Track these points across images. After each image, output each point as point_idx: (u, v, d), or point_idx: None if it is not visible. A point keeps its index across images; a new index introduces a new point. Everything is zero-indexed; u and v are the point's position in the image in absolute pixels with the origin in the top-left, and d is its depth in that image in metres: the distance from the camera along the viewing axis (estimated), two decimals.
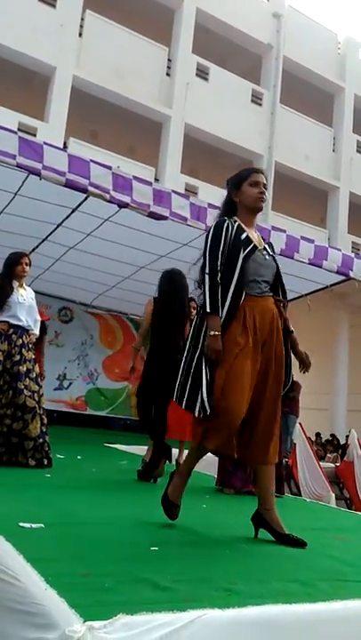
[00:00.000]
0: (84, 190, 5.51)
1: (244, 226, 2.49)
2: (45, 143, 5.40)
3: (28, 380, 4.09)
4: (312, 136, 14.96)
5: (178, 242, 7.05)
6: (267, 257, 2.49)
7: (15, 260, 4.29)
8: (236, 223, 2.47)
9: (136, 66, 12.22)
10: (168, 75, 12.98)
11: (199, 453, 2.43)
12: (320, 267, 7.08)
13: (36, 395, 4.11)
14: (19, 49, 10.89)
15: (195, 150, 13.05)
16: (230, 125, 13.24)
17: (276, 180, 14.05)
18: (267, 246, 2.56)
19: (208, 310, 2.33)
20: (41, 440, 4.03)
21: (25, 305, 4.25)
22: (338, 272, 7.33)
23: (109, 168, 5.71)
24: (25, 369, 4.11)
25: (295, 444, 7.54)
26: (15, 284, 4.25)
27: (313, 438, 11.92)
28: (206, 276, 2.37)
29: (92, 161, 5.60)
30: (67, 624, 1.24)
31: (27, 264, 4.32)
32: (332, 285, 8.17)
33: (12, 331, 4.15)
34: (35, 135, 10.27)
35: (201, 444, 2.34)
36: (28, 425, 3.98)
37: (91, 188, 5.50)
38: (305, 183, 14.93)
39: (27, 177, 5.41)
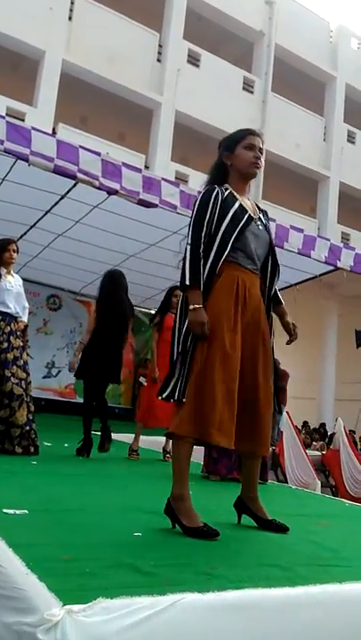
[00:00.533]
0: (72, 177, 5.47)
1: (236, 193, 2.27)
2: (34, 128, 5.34)
3: (15, 367, 4.08)
4: (303, 125, 14.92)
5: (167, 230, 7.03)
6: (260, 227, 2.29)
7: (2, 246, 4.25)
8: (228, 191, 2.27)
9: (127, 51, 12.08)
10: (159, 61, 12.86)
11: (182, 449, 2.15)
12: (308, 256, 7.10)
13: (23, 382, 4.10)
14: (7, 32, 10.73)
15: (185, 138, 12.97)
16: (221, 113, 13.16)
17: (266, 169, 14.02)
18: (261, 215, 2.35)
19: (187, 283, 2.11)
20: (28, 428, 4.04)
21: (13, 292, 4.23)
22: (326, 262, 7.36)
23: (98, 154, 5.67)
24: (12, 356, 4.09)
25: (282, 433, 7.60)
26: (3, 271, 4.21)
27: (300, 427, 12.02)
28: (187, 247, 2.16)
29: (81, 147, 5.56)
30: (46, 608, 1.25)
31: (14, 251, 4.29)
32: (321, 275, 8.20)
33: (0, 318, 4.13)
34: (23, 120, 10.14)
35: (174, 433, 2.10)
36: (15, 412, 3.97)
37: (80, 175, 5.46)
38: (295, 172, 14.92)
39: (14, 162, 5.36)
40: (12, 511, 2.09)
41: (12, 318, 4.20)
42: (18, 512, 2.09)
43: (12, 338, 4.14)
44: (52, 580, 1.37)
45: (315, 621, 1.58)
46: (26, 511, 2.13)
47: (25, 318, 4.34)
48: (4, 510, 2.09)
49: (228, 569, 1.69)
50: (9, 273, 4.27)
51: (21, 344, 4.22)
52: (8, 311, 4.17)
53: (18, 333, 4.22)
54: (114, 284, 4.79)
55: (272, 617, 1.51)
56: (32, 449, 4.05)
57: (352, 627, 1.63)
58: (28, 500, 2.38)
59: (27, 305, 4.40)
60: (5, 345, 4.08)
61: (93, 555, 1.69)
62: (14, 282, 4.28)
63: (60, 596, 1.29)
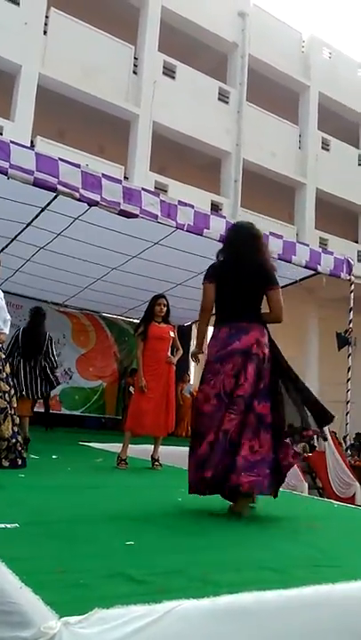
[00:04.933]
0: (52, 189, 5.47)
1: None
2: (12, 142, 5.34)
3: None
4: (278, 133, 15.12)
5: (149, 240, 7.06)
6: None
7: None
8: None
9: (102, 64, 12.14)
10: (135, 73, 12.94)
11: None
12: (289, 262, 7.19)
13: (7, 395, 4.07)
14: None
15: (164, 148, 13.05)
16: (198, 123, 13.28)
17: (244, 177, 14.16)
18: None
19: None
20: (14, 440, 4.00)
21: None
22: (306, 267, 7.46)
23: (78, 166, 5.68)
24: None
25: None
26: None
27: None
28: None
29: (60, 159, 5.57)
30: (42, 621, 1.25)
31: None
32: (301, 280, 8.30)
33: None
34: (1, 134, 10.13)
35: None
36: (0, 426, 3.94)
37: (60, 187, 5.46)
38: (272, 180, 15.08)
39: None
40: (2, 525, 2.08)
41: None
42: (9, 526, 2.08)
43: None
44: (46, 593, 1.37)
45: (310, 622, 1.60)
46: (17, 524, 2.11)
47: (6, 330, 4.32)
48: None
49: (221, 574, 1.70)
50: None
51: (3, 356, 4.20)
52: None
53: (0, 346, 4.20)
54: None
55: (267, 620, 1.52)
56: (19, 461, 4.02)
57: (346, 626, 1.66)
58: (18, 513, 2.36)
59: (8, 317, 4.38)
60: None
61: (87, 566, 1.69)
62: None
63: (55, 609, 1.29)
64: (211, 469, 2.63)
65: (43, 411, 8.02)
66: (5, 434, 3.95)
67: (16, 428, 4.07)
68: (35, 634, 1.21)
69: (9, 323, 4.36)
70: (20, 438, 4.09)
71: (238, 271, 2.95)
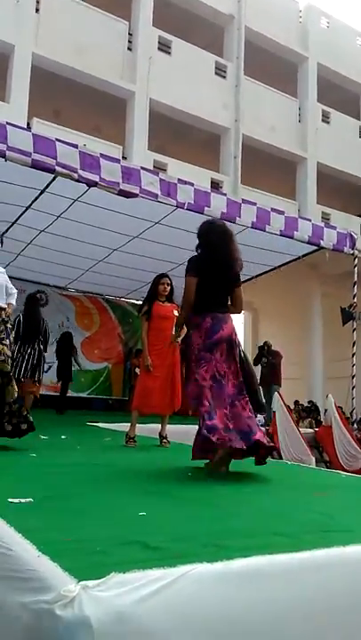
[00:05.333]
0: (51, 170, 5.45)
1: None
2: (9, 123, 5.31)
3: (0, 345, 4.07)
4: (277, 107, 14.93)
5: (150, 220, 7.03)
6: None
7: None
8: None
9: (96, 41, 11.96)
10: (130, 49, 12.75)
11: None
12: (291, 237, 7.16)
13: (9, 360, 4.11)
14: None
15: (161, 126, 12.90)
16: (195, 99, 13.11)
17: (244, 153, 14.02)
18: None
19: None
20: (17, 405, 4.01)
21: None
22: (309, 242, 7.43)
23: (76, 147, 5.65)
24: None
25: (274, 413, 7.69)
26: None
27: (292, 406, 12.17)
28: None
29: (57, 140, 5.54)
30: (62, 585, 1.28)
31: None
32: (303, 256, 8.27)
33: None
34: None
35: None
36: (3, 389, 3.95)
37: (58, 168, 5.44)
38: (273, 155, 14.93)
39: None
40: (16, 500, 2.12)
41: None
42: (23, 501, 2.12)
43: None
44: (63, 561, 1.41)
45: (321, 583, 1.64)
46: (31, 499, 2.15)
47: (13, 301, 4.40)
48: (10, 500, 2.12)
49: (233, 540, 1.73)
50: None
51: (9, 325, 4.27)
52: None
53: (3, 315, 4.25)
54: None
55: (280, 581, 1.56)
56: (24, 426, 3.96)
57: (358, 587, 1.69)
58: (32, 489, 2.40)
59: (14, 291, 4.48)
60: None
61: (101, 535, 1.73)
62: None
63: (73, 574, 1.32)
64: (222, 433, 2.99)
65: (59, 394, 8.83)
66: (11, 397, 3.97)
67: (16, 394, 4.08)
68: (55, 597, 1.25)
69: (15, 295, 4.43)
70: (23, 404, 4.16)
71: (215, 266, 3.32)
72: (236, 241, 3.46)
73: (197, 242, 3.49)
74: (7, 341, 4.15)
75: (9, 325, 4.26)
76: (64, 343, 9.84)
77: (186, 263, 3.47)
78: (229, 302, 3.38)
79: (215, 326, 3.21)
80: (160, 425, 5.10)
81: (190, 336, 3.38)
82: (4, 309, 4.28)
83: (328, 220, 14.44)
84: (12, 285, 4.44)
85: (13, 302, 4.38)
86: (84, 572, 1.33)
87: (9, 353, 4.13)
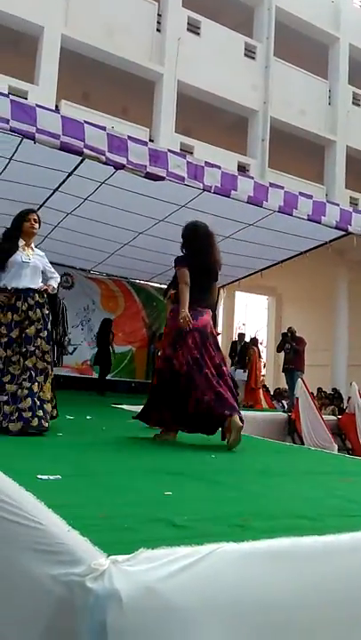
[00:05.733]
0: (79, 152, 5.45)
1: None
2: (38, 106, 5.32)
3: (39, 340, 3.91)
4: (307, 89, 14.64)
5: (176, 203, 7.01)
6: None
7: (22, 215, 4.10)
8: None
9: (125, 22, 11.87)
10: (158, 30, 12.62)
11: None
12: (319, 222, 7.06)
13: (46, 355, 3.94)
14: (4, 9, 10.56)
15: (189, 108, 12.79)
16: (224, 81, 12.94)
17: (272, 136, 13.82)
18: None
19: None
20: (53, 403, 4.03)
21: (29, 265, 4.00)
22: (337, 227, 7.31)
23: (104, 129, 5.64)
24: (34, 330, 3.90)
25: (297, 399, 7.67)
26: (21, 242, 4.04)
27: (315, 393, 12.11)
28: None
29: (85, 122, 5.53)
30: (92, 558, 1.32)
31: (35, 220, 4.12)
32: (331, 241, 8.16)
33: (14, 298, 3.93)
34: (26, 99, 10.05)
35: None
36: (42, 387, 3.85)
37: (86, 150, 5.44)
38: (301, 138, 14.69)
39: (20, 141, 5.36)
40: (45, 477, 2.17)
41: (27, 292, 3.96)
42: (52, 477, 2.17)
43: (30, 313, 3.92)
44: (93, 536, 1.44)
45: (346, 567, 1.65)
46: (59, 476, 2.20)
47: (54, 283, 4.17)
48: (39, 476, 2.17)
49: (259, 521, 1.75)
50: (28, 245, 4.08)
51: (41, 316, 3.98)
52: (20, 286, 3.94)
53: (40, 303, 4.00)
54: None
55: (305, 562, 1.57)
56: (55, 412, 4.02)
57: None
58: (60, 467, 2.45)
59: (56, 275, 4.24)
60: (26, 323, 3.89)
61: (129, 512, 1.76)
62: (32, 255, 4.07)
63: (102, 549, 1.36)
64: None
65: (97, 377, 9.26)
66: (48, 395, 3.89)
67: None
68: (85, 570, 1.28)
69: (57, 279, 4.24)
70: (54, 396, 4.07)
71: (198, 265, 3.77)
72: (216, 242, 3.92)
73: (182, 242, 3.96)
74: (45, 332, 3.95)
75: (45, 311, 4.02)
76: (102, 329, 9.87)
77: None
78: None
79: (193, 317, 3.68)
80: None
81: (170, 319, 3.86)
82: (38, 291, 4.03)
83: (356, 204, 14.20)
84: (53, 270, 4.25)
85: (54, 284, 4.16)
86: (113, 548, 1.36)
87: (47, 347, 3.94)
